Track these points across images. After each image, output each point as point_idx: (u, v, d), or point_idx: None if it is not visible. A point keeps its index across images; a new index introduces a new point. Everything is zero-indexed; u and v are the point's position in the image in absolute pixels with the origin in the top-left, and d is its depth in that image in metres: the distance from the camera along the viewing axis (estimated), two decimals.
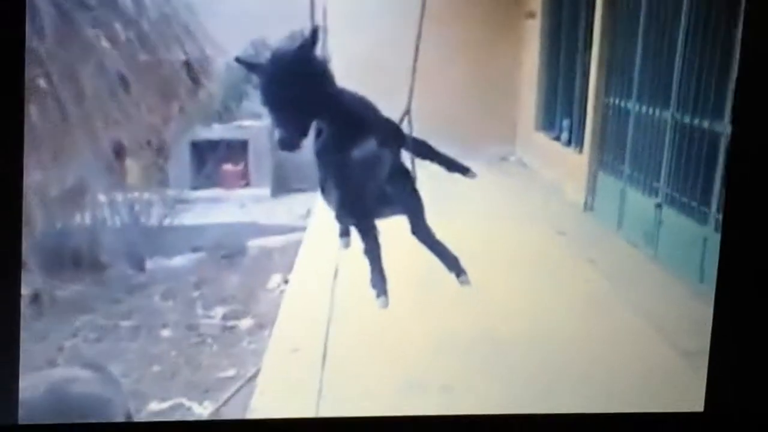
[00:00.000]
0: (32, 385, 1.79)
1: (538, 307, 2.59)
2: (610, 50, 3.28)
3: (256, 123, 2.63)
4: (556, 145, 3.59)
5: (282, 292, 2.61)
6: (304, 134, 2.35)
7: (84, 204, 2.26)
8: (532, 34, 3.62)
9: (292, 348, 2.35)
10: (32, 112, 1.97)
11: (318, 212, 2.78)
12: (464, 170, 2.72)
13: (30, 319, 2.05)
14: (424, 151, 2.66)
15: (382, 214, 2.60)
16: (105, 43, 2.07)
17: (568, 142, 3.56)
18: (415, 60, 2.68)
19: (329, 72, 2.39)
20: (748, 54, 1.59)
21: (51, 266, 2.11)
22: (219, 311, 2.48)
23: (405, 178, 2.61)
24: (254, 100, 2.57)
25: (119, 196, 2.37)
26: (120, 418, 1.75)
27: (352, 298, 2.55)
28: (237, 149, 2.68)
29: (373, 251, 2.53)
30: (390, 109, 2.57)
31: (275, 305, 2.52)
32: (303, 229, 2.75)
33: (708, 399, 1.64)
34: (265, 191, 2.74)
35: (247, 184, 2.74)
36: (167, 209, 2.50)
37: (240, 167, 2.72)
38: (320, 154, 2.48)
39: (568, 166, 3.52)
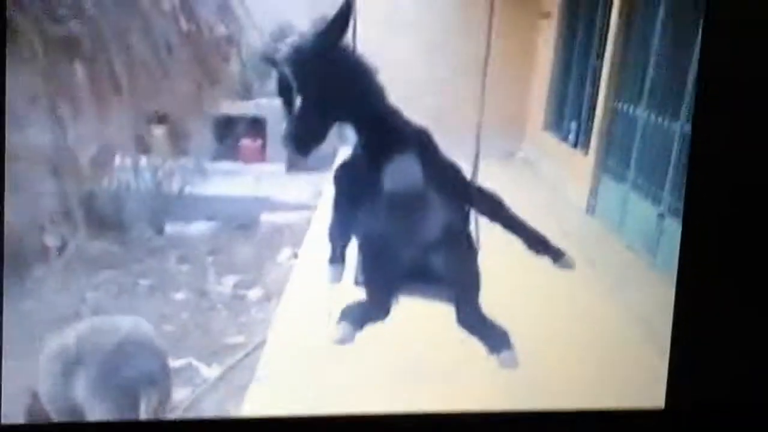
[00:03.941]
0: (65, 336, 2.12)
1: (530, 304, 2.68)
2: (623, 55, 3.55)
3: (275, 102, 2.95)
4: (563, 145, 3.94)
5: (291, 266, 2.91)
6: (320, 139, 2.12)
7: (112, 167, 2.59)
8: (547, 34, 3.97)
9: (298, 321, 2.63)
10: (78, 71, 2.30)
11: (328, 193, 3.06)
12: (555, 254, 2.28)
13: (58, 270, 2.40)
14: (495, 210, 2.19)
15: (413, 292, 2.17)
16: (152, 10, 2.37)
17: (575, 144, 3.89)
18: (484, 80, 2.41)
19: (367, 73, 2.16)
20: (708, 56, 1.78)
21: (78, 222, 2.43)
22: (230, 279, 2.82)
23: (462, 246, 2.13)
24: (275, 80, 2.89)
25: (144, 162, 2.70)
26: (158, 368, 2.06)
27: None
28: (256, 126, 3.02)
29: (369, 314, 2.17)
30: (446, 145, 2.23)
31: (284, 278, 2.80)
32: (314, 207, 3.05)
33: (669, 395, 1.84)
34: (281, 167, 3.06)
35: (263, 160, 3.07)
36: (187, 178, 2.85)
37: (258, 143, 3.06)
38: (340, 176, 2.18)
39: (573, 167, 3.85)
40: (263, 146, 3.07)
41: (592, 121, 3.74)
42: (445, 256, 2.12)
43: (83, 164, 2.39)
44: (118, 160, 2.66)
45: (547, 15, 3.95)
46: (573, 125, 3.92)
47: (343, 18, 2.05)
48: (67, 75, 2.31)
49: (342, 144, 2.44)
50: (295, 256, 2.96)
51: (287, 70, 2.11)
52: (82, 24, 2.30)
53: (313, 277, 2.82)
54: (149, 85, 2.48)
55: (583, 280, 2.86)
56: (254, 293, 2.86)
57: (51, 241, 2.30)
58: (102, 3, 2.36)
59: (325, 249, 2.51)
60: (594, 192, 3.70)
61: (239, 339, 2.76)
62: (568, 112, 3.96)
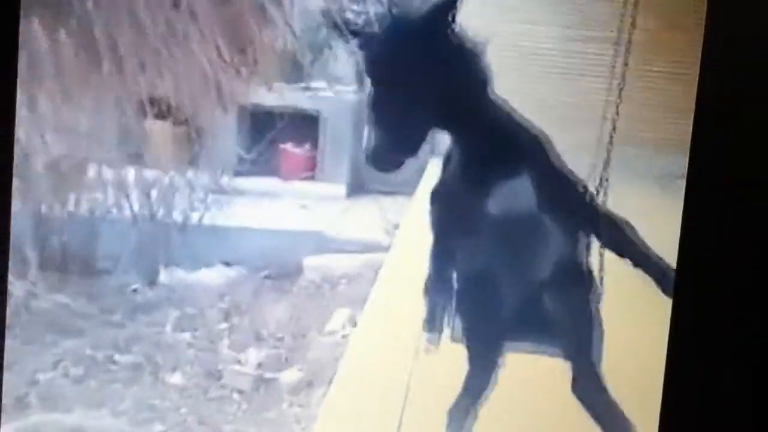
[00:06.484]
0: None
1: None
2: None
3: (333, 90, 2.36)
4: None
5: (346, 337, 2.40)
6: (414, 149, 1.91)
7: (84, 181, 2.01)
8: None
9: (353, 422, 2.09)
10: (62, 38, 1.70)
11: (409, 228, 2.53)
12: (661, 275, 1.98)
13: None
14: (616, 239, 1.96)
15: (520, 341, 1.98)
16: None
17: None
18: (619, 96, 2.11)
19: (472, 57, 1.86)
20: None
21: (30, 265, 1.89)
22: (253, 355, 2.30)
23: (579, 285, 1.98)
24: (337, 57, 2.27)
25: (133, 175, 2.11)
26: None
27: (437, 363, 2.15)
28: (304, 124, 2.43)
29: (477, 386, 1.98)
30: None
31: (335, 356, 2.32)
32: (386, 249, 2.52)
33: None
34: (339, 189, 2.50)
35: (312, 176, 2.51)
36: (197, 200, 2.30)
37: (305, 150, 2.49)
38: (436, 194, 1.96)
39: None
40: (313, 155, 2.48)
41: None
42: (558, 298, 1.95)
43: (39, 172, 1.76)
44: (92, 170, 2.04)
45: None
46: None
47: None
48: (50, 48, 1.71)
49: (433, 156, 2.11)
50: (354, 323, 2.38)
51: (373, 59, 1.87)
52: None
53: (377, 355, 2.28)
54: (149, 59, 1.84)
55: None
56: (289, 376, 2.32)
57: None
58: None
59: (402, 309, 2.23)
60: None
61: None
62: None
